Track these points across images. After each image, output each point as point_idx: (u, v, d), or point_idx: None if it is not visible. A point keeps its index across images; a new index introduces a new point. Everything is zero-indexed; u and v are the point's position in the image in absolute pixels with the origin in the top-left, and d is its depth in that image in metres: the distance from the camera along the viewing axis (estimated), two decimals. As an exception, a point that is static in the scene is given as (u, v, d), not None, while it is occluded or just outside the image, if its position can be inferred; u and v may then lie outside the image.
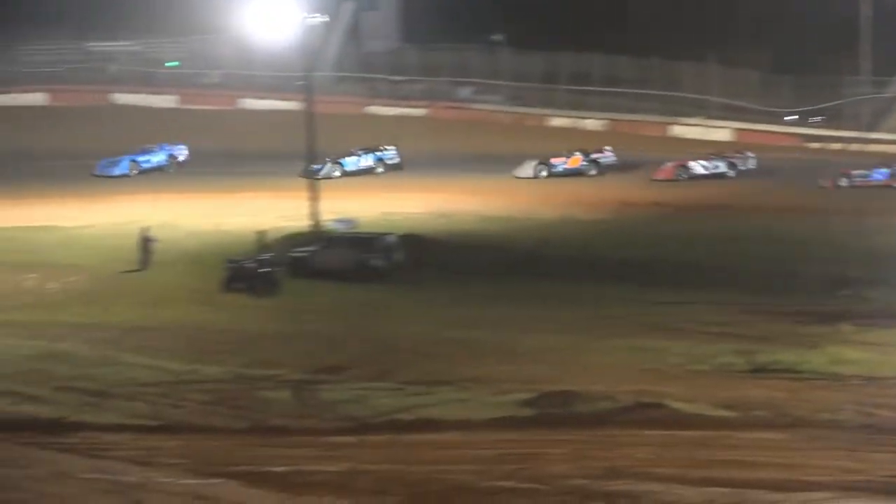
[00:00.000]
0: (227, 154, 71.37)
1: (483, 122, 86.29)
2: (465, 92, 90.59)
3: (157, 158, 68.42)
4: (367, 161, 71.42)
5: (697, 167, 72.31)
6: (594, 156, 74.62)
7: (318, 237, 54.39)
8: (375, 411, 33.41)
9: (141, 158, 68.33)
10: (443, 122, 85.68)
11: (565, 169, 73.95)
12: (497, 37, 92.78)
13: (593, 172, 74.11)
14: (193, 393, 35.13)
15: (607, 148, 75.32)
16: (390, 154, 72.33)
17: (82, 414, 32.98)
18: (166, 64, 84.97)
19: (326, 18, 64.07)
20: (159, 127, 75.33)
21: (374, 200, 64.05)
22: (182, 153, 69.21)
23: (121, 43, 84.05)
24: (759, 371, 37.85)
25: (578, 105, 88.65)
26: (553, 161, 73.60)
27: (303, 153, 59.58)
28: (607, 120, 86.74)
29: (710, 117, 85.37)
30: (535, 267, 52.25)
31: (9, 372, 36.56)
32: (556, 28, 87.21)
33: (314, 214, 56.46)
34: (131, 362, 38.27)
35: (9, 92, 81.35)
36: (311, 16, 60.41)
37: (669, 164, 72.35)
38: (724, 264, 52.66)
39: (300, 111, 62.03)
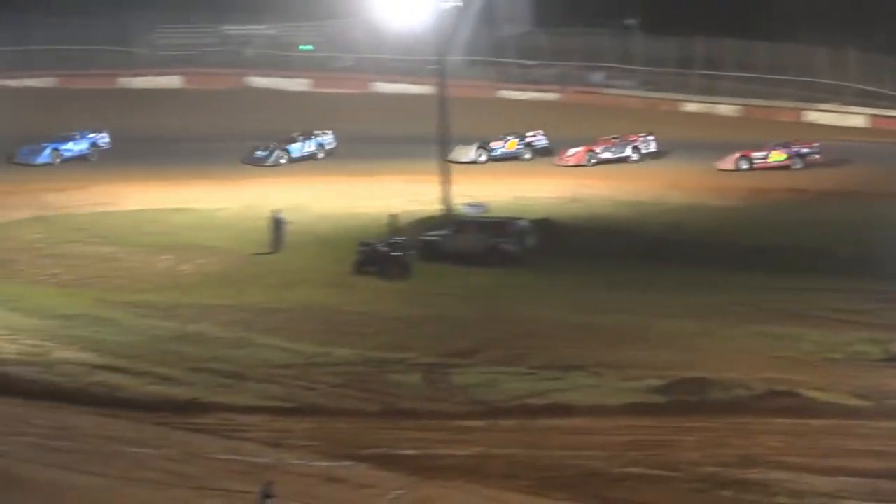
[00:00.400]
0: (359, 138, 71.36)
1: (615, 107, 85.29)
2: (597, 77, 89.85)
3: (80, 147, 67.04)
4: (310, 147, 71.09)
5: (605, 153, 71.62)
6: (528, 139, 73.61)
7: (449, 221, 54.29)
8: (506, 395, 33.34)
9: (63, 147, 67.18)
10: (575, 107, 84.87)
11: (503, 153, 72.89)
12: (630, 21, 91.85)
13: (528, 156, 73.07)
14: (325, 375, 35.28)
15: (539, 131, 74.11)
16: (328, 139, 71.87)
17: (216, 395, 33.27)
18: (300, 48, 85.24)
19: (459, 3, 63.87)
20: (292, 110, 75.69)
21: (506, 185, 63.79)
22: (104, 140, 67.88)
23: (256, 27, 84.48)
24: (894, 360, 37.10)
25: (712, 90, 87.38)
26: (492, 145, 72.52)
27: (434, 136, 59.40)
28: (741, 105, 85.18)
29: (845, 103, 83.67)
30: (666, 252, 51.78)
31: (144, 352, 36.95)
32: (690, 12, 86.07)
33: (446, 198, 56.40)
34: (264, 344, 38.56)
35: (145, 75, 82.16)
36: (443, 1, 60.43)
37: (580, 149, 71.54)
38: (855, 251, 51.57)
39: (432, 95, 61.99)
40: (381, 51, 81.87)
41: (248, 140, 69.75)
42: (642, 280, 48.09)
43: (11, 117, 67.60)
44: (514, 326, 41.44)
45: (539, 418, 31.13)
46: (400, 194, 59.46)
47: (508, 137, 72.99)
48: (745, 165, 70.02)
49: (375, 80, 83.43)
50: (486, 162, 70.97)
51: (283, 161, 68.30)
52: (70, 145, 66.59)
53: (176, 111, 72.84)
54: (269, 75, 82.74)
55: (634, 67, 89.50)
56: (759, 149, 70.65)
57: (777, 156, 70.47)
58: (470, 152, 71.25)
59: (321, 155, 70.69)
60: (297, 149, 69.68)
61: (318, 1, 77.82)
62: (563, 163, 70.46)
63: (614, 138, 72.18)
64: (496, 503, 24.78)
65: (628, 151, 71.88)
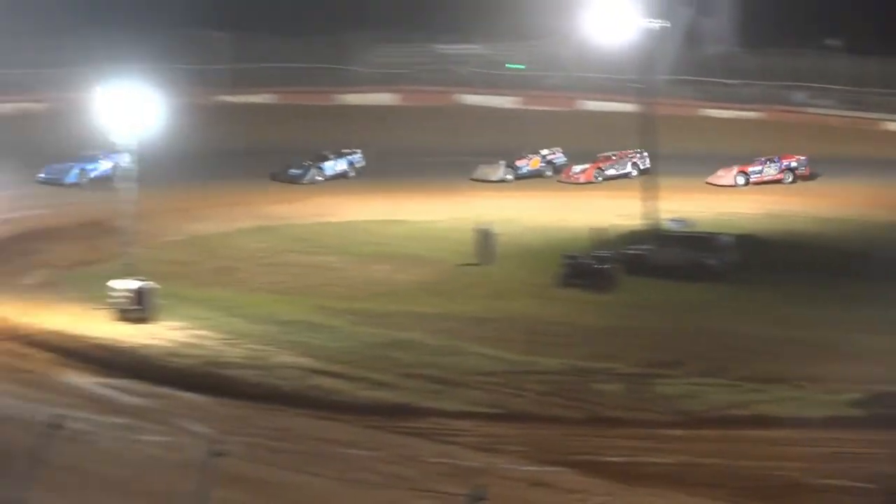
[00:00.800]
0: (567, 153, 71.41)
1: (815, 126, 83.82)
2: (798, 96, 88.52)
3: (104, 167, 66.44)
4: (341, 165, 70.24)
5: (609, 170, 70.27)
6: (549, 157, 72.27)
7: (654, 236, 54.04)
8: (709, 406, 33.26)
9: (89, 167, 66.05)
10: (777, 126, 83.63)
11: (528, 170, 71.59)
12: (832, 41, 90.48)
13: (549, 173, 71.69)
14: (532, 383, 35.47)
15: (558, 148, 72.60)
16: (358, 158, 70.60)
17: (427, 400, 33.72)
18: (510, 66, 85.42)
19: (664, 23, 63.59)
20: (500, 127, 75.97)
21: (710, 201, 63.34)
22: (124, 160, 66.45)
23: (469, 46, 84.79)
24: None
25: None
26: (517, 163, 71.21)
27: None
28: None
29: None
30: (866, 269, 50.81)
31: (359, 358, 37.57)
32: (893, 33, 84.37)
33: (651, 213, 56.13)
34: (473, 352, 38.81)
35: (360, 92, 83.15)
36: (649, 21, 60.26)
37: (588, 166, 70.19)
38: None
39: (637, 113, 61.78)
40: (588, 69, 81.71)
41: (459, 155, 70.25)
42: (845, 295, 47.16)
43: (234, 131, 69.14)
44: (717, 339, 41.16)
45: (741, 429, 31.05)
46: (606, 209, 59.28)
47: (531, 156, 72.20)
48: (741, 181, 69.55)
49: (582, 98, 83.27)
50: (512, 181, 70.14)
51: (318, 178, 67.76)
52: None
53: (389, 127, 73.55)
54: (479, 93, 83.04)
55: (836, 87, 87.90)
56: (752, 164, 70.36)
57: (769, 170, 70.41)
58: (499, 171, 70.61)
59: (352, 173, 70.23)
60: (329, 167, 69.34)
61: (529, 21, 77.95)
62: (570, 180, 69.82)
63: (613, 155, 71.35)
64: (700, 510, 24.80)
65: (629, 168, 70.95)
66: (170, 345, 39.15)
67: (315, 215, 60.08)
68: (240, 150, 66.89)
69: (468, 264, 50.95)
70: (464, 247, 52.28)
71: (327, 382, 35.38)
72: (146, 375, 35.63)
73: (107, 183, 60.74)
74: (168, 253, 50.58)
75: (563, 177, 70.66)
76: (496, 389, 34.98)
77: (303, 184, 64.89)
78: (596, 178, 69.94)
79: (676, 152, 66.83)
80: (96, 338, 39.42)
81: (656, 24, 60.08)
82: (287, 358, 37.81)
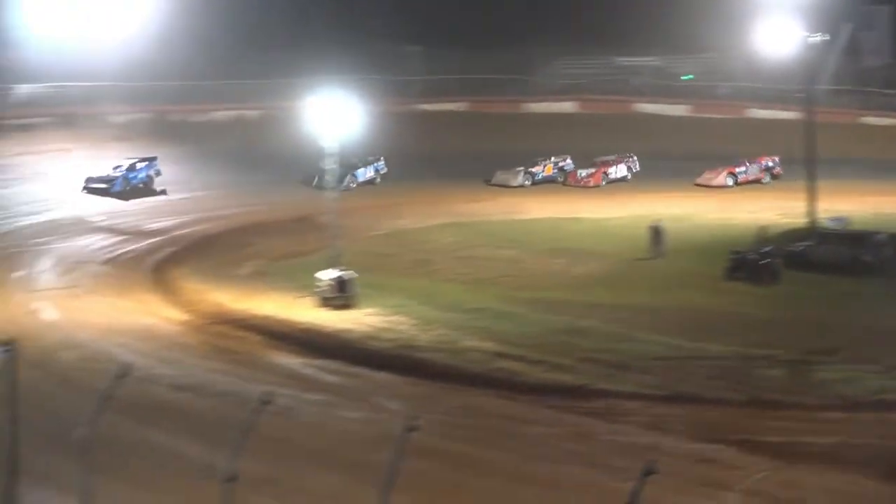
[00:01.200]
0: (731, 158, 70.68)
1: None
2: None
3: (141, 175, 65.17)
4: (370, 172, 68.97)
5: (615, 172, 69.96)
6: (560, 163, 70.80)
7: (813, 233, 53.14)
8: (865, 391, 32.54)
9: (130, 175, 64.98)
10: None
11: (543, 176, 70.20)
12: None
13: (560, 179, 70.41)
14: (698, 368, 35.08)
15: (567, 156, 71.24)
16: (381, 165, 69.40)
17: (601, 382, 33.54)
18: (682, 77, 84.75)
19: (826, 37, 62.46)
20: (672, 133, 75.36)
21: (868, 201, 61.98)
22: (154, 168, 66.00)
23: (644, 58, 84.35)
24: None
25: None
26: (533, 169, 69.83)
27: (803, 157, 58.04)
28: None
29: None
30: None
31: (539, 343, 37.48)
32: None
33: (811, 212, 55.21)
34: (644, 339, 38.44)
35: (544, 101, 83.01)
36: (812, 35, 59.31)
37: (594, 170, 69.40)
38: None
39: (800, 121, 60.76)
40: (755, 80, 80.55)
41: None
42: None
43: (427, 137, 69.67)
44: (872, 330, 40.07)
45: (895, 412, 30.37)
46: (770, 208, 58.63)
47: (545, 162, 70.92)
48: (730, 182, 68.98)
49: (750, 107, 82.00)
50: (531, 185, 69.43)
51: (352, 185, 66.25)
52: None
53: (570, 134, 73.33)
54: (653, 102, 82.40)
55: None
56: (738, 165, 69.92)
57: (754, 170, 70.39)
58: (518, 177, 69.61)
59: (378, 179, 69.56)
60: (361, 174, 68.59)
61: (700, 36, 77.19)
62: (581, 184, 69.40)
63: (611, 159, 70.88)
64: (854, 487, 24.28)
65: (624, 171, 70.75)
66: (368, 329, 39.57)
67: (501, 213, 60.40)
68: (433, 154, 67.18)
69: (641, 259, 50.59)
70: (636, 242, 52.00)
71: (510, 365, 35.40)
72: (346, 357, 36.23)
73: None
74: (369, 246, 51.17)
75: (570, 180, 70.30)
76: (665, 373, 34.68)
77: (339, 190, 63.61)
78: (602, 181, 69.64)
79: (836, 156, 65.61)
80: (301, 322, 40.18)
81: (818, 37, 58.99)
82: (473, 342, 37.87)
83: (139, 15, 71.14)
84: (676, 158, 69.51)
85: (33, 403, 19.39)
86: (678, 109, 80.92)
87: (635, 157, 70.76)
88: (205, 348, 37.43)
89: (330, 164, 45.47)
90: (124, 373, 16.89)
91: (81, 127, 69.71)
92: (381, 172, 70.10)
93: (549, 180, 70.61)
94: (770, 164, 70.96)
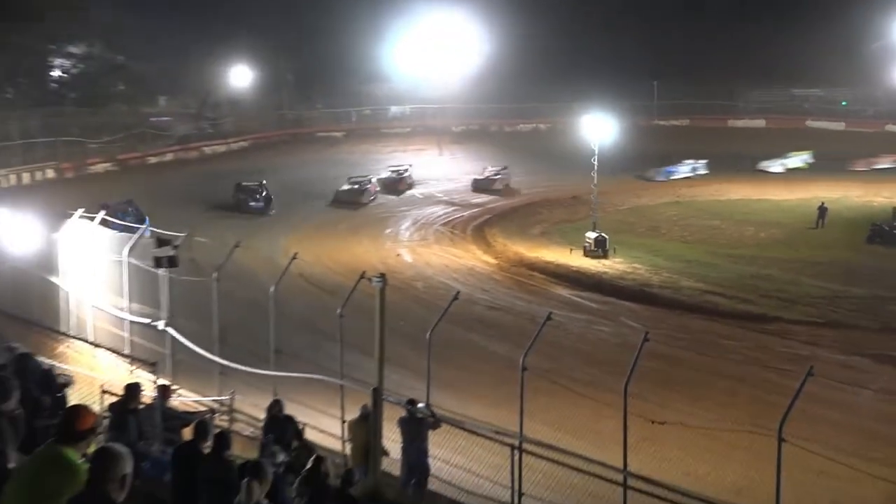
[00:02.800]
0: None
1: None
2: None
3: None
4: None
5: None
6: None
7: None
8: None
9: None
10: None
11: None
12: None
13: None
14: (846, 304, 34.05)
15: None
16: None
17: (777, 312, 33.01)
18: (841, 103, 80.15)
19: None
20: (831, 142, 71.49)
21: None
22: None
23: (812, 90, 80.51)
24: None
25: None
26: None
27: None
28: None
29: None
30: None
31: (734, 284, 36.95)
32: None
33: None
34: (808, 283, 37.49)
35: (742, 119, 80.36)
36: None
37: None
38: None
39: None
40: (892, 104, 75.38)
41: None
42: None
43: (662, 142, 68.59)
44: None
45: None
46: None
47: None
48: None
49: (888, 123, 76.78)
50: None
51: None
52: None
53: (760, 143, 70.77)
54: (818, 120, 78.57)
55: None
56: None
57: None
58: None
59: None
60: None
61: (853, 72, 72.91)
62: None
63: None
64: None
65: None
66: (616, 272, 39.58)
67: (709, 194, 59.02)
68: (664, 154, 65.86)
69: (808, 228, 48.86)
70: (806, 217, 50.33)
71: (713, 299, 35.01)
72: (601, 290, 36.38)
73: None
74: (618, 216, 50.79)
75: None
76: (822, 307, 33.78)
77: (361, 203, 53.81)
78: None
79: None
80: (572, 266, 40.29)
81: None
82: (689, 283, 37.50)
83: (471, 56, 71.60)
84: (832, 159, 66.00)
85: (397, 315, 19.41)
86: (837, 125, 76.96)
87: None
88: (508, 282, 37.94)
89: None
90: (455, 296, 17.26)
91: (431, 134, 71.05)
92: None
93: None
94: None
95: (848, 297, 35.16)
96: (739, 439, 16.53)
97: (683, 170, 65.69)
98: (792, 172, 65.17)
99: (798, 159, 67.04)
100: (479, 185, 59.31)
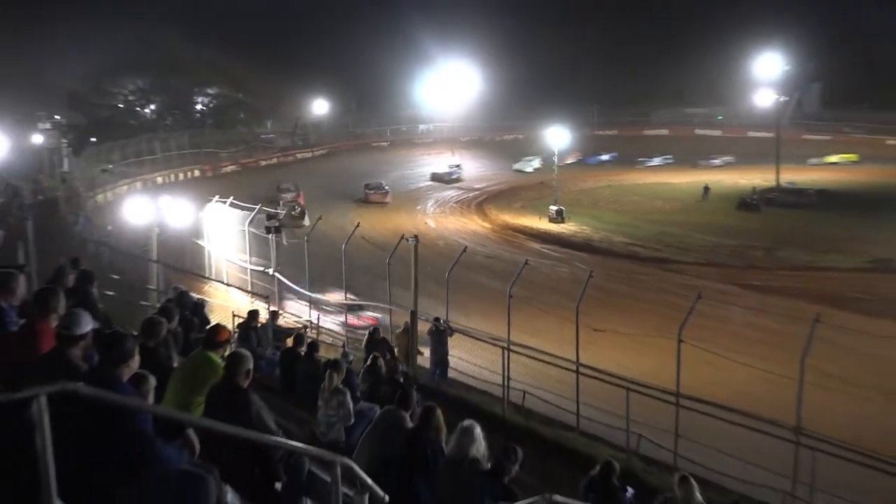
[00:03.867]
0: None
1: None
2: None
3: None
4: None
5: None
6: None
7: (779, 189, 48.81)
8: (795, 261, 30.65)
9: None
10: None
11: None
12: None
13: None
14: (722, 250, 33.41)
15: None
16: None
17: (677, 256, 32.71)
18: (718, 117, 74.45)
19: (786, 98, 56.29)
20: (713, 145, 68.79)
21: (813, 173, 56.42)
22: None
23: (702, 108, 74.48)
24: None
25: None
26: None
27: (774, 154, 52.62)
28: None
29: None
30: None
31: (647, 239, 36.55)
32: None
33: (777, 180, 50.48)
34: (698, 237, 37.06)
35: (651, 129, 76.33)
36: (780, 96, 54.23)
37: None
38: None
39: (774, 136, 54.68)
40: (748, 117, 72.12)
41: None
42: None
43: (594, 146, 67.58)
44: (811, 233, 37.02)
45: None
46: (759, 178, 53.39)
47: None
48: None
49: (748, 131, 72.98)
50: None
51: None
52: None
53: (664, 146, 69.04)
54: (703, 129, 72.91)
55: None
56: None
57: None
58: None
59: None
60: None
61: (725, 95, 70.25)
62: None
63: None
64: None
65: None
66: (570, 232, 39.14)
67: (633, 179, 58.15)
68: (598, 152, 64.57)
69: (697, 201, 48.15)
70: (694, 194, 49.68)
71: (635, 248, 34.68)
72: (560, 243, 36.05)
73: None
74: (571, 196, 49.89)
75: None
76: (706, 252, 33.42)
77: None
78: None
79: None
80: (541, 229, 39.87)
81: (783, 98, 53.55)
82: (619, 238, 37.12)
83: (472, 90, 70.79)
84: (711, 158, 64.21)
85: (426, 262, 17.75)
86: (715, 133, 74.31)
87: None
88: (499, 240, 37.46)
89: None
90: (464, 250, 16.76)
91: (446, 143, 69.90)
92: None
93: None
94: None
95: (724, 245, 34.72)
96: (653, 341, 16.25)
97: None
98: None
99: (535, 161, 61.09)
100: (437, 177, 56.94)
